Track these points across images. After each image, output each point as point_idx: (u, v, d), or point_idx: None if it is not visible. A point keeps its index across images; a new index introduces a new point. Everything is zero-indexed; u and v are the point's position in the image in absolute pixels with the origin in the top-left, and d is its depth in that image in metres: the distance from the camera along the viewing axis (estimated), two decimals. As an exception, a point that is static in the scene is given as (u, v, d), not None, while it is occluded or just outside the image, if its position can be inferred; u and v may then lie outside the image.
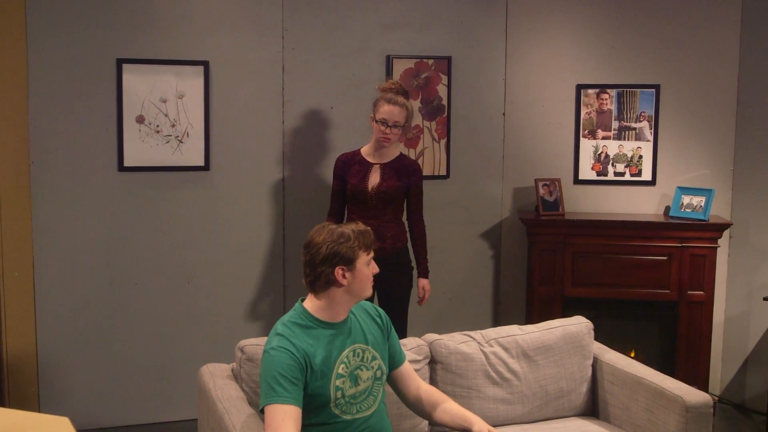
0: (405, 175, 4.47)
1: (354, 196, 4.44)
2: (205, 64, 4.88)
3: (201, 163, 4.93)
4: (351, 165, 4.48)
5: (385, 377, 3.15)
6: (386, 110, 4.35)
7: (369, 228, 3.03)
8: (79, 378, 4.86)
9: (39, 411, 4.74)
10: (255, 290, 5.11)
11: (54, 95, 4.67)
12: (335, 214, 4.55)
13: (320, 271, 2.94)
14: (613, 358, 3.91)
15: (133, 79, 4.76)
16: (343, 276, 2.94)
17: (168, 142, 4.87)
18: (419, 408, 3.26)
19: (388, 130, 4.36)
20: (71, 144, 4.73)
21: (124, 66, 4.74)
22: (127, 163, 4.80)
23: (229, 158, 5.01)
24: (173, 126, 4.87)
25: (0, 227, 4.54)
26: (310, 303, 3.02)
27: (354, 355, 3.03)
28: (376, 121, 4.38)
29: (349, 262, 2.94)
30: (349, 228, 2.98)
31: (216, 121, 4.95)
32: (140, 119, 4.80)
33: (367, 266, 2.99)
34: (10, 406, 4.61)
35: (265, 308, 5.11)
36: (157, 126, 4.84)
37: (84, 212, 4.79)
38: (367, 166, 4.46)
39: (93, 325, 4.85)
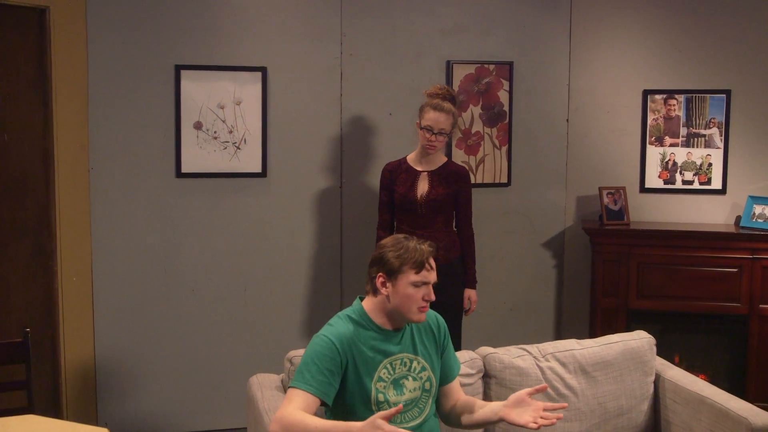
0: (454, 182, 4.36)
1: (403, 205, 4.34)
2: (263, 71, 4.85)
3: (258, 169, 4.91)
4: (398, 174, 4.37)
5: (435, 390, 3.08)
6: (432, 117, 4.23)
7: (431, 249, 2.91)
8: (136, 383, 4.86)
9: (96, 416, 4.78)
10: (312, 299, 5.06)
11: (113, 102, 4.69)
12: (386, 226, 4.44)
13: (368, 272, 2.95)
14: (675, 375, 3.76)
15: (191, 85, 4.76)
16: (383, 285, 2.90)
17: (225, 148, 4.84)
18: (450, 419, 3.18)
19: (433, 138, 4.25)
20: (130, 150, 4.74)
21: (182, 72, 4.74)
22: (184, 170, 4.80)
23: (287, 165, 4.97)
24: (231, 132, 4.84)
25: (59, 233, 4.56)
26: (368, 302, 2.99)
27: (401, 364, 2.98)
28: (422, 128, 4.27)
29: (390, 273, 2.89)
30: (413, 241, 2.90)
31: (273, 127, 4.92)
32: (198, 125, 4.79)
33: (413, 287, 2.87)
34: (67, 411, 4.65)
35: (321, 317, 5.03)
36: (215, 132, 4.82)
37: (142, 218, 4.79)
38: (414, 174, 4.36)
39: (149, 331, 4.86)
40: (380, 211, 4.47)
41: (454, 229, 4.46)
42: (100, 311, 4.77)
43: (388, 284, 2.89)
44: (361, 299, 3.02)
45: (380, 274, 2.90)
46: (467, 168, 4.67)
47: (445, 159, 4.43)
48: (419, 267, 2.86)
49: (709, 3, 5.19)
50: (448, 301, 4.32)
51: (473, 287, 4.47)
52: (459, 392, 3.19)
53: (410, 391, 2.98)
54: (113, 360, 4.81)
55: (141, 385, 4.87)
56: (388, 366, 2.95)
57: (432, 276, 2.91)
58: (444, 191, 4.32)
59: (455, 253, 4.39)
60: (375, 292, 2.95)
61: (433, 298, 2.92)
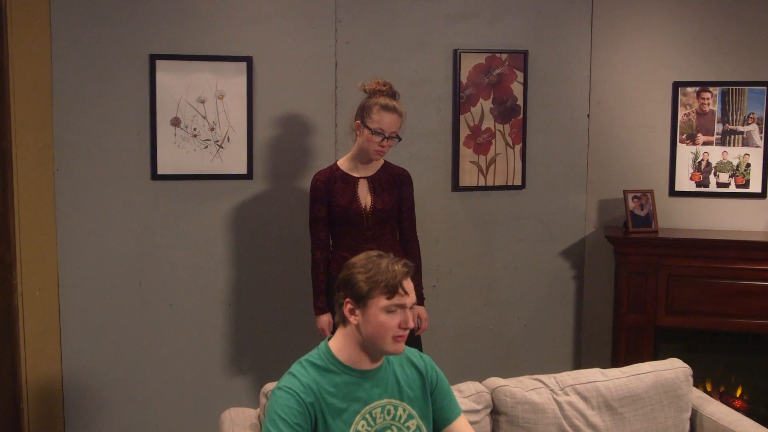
0: (396, 186, 3.93)
1: (346, 219, 3.86)
2: (248, 60, 4.46)
3: (243, 170, 4.52)
4: (333, 183, 3.90)
5: None
6: (383, 119, 3.76)
7: (406, 270, 2.54)
8: (108, 409, 4.47)
9: (63, 444, 4.37)
10: (304, 313, 4.60)
11: (80, 96, 4.30)
12: (324, 246, 3.95)
13: (335, 298, 2.60)
14: (716, 411, 3.32)
15: (168, 77, 4.37)
16: (352, 312, 2.53)
17: (206, 147, 4.46)
18: None
19: (384, 142, 3.80)
20: (99, 150, 4.35)
21: (158, 63, 4.36)
22: (161, 171, 4.42)
23: (275, 165, 4.57)
24: (212, 129, 4.46)
25: (20, 242, 4.17)
26: (335, 342, 2.61)
27: (382, 413, 2.57)
28: (372, 132, 3.79)
29: (359, 299, 2.52)
30: (385, 260, 2.54)
31: (260, 124, 4.52)
32: (176, 122, 4.41)
33: (386, 313, 2.50)
34: (30, 440, 4.24)
35: (314, 336, 4.57)
36: (195, 129, 4.43)
37: (114, 225, 4.41)
38: (352, 183, 3.89)
39: (122, 351, 4.47)
40: (314, 230, 3.94)
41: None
42: (68, 330, 4.37)
43: (357, 311, 2.53)
44: (329, 339, 2.64)
45: (348, 299, 2.54)
46: (408, 171, 4.14)
47: (382, 161, 3.99)
48: (391, 292, 2.50)
49: (747, -14, 4.79)
50: None
51: (422, 304, 4.00)
52: None
53: None
54: (82, 383, 4.41)
55: (112, 411, 4.48)
56: (368, 416, 2.54)
57: (408, 299, 2.54)
58: (389, 198, 3.90)
59: None
60: (344, 321, 2.58)
61: (411, 324, 2.54)
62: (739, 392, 4.67)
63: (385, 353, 2.56)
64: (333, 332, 2.68)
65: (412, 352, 2.75)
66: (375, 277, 2.49)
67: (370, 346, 2.54)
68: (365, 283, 2.50)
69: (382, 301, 2.49)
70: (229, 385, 4.57)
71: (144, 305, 4.46)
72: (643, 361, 3.49)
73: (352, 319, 2.54)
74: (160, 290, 4.48)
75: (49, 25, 4.21)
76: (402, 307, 2.51)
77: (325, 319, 3.95)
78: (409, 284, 2.54)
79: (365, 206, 3.84)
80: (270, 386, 2.99)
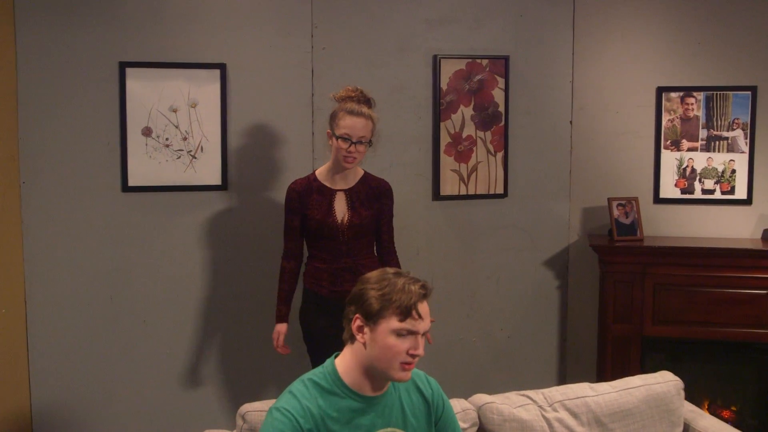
0: (375, 199, 3.81)
1: (320, 232, 3.75)
2: (222, 68, 4.34)
3: (217, 181, 4.40)
4: (309, 195, 3.79)
5: None
6: (349, 123, 3.66)
7: (423, 292, 2.40)
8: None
9: (32, 468, 4.21)
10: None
11: (47, 106, 4.16)
12: (294, 256, 3.86)
13: (345, 312, 2.48)
14: (708, 425, 3.24)
15: (139, 85, 4.24)
16: (360, 330, 2.40)
17: (179, 157, 4.33)
18: None
19: (352, 148, 3.68)
20: (68, 161, 4.22)
21: (128, 70, 4.23)
22: (132, 183, 4.29)
23: (250, 176, 4.45)
24: (185, 139, 4.33)
25: None
26: (342, 361, 2.46)
27: None
28: (337, 138, 3.69)
29: (369, 316, 2.37)
30: (402, 279, 2.39)
31: (235, 133, 4.40)
32: (147, 132, 4.28)
33: (395, 336, 2.36)
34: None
35: (293, 354, 4.45)
36: (167, 139, 4.30)
37: (83, 239, 4.26)
38: (329, 195, 3.78)
39: (94, 370, 4.32)
40: (287, 238, 3.85)
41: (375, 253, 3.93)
42: (36, 349, 4.23)
43: (365, 329, 2.38)
44: (336, 356, 2.50)
45: (358, 315, 2.40)
46: (389, 183, 4.01)
47: (362, 172, 3.88)
48: (404, 314, 2.35)
49: (731, -11, 4.71)
50: None
51: None
52: None
53: None
54: (52, 404, 4.27)
55: (83, 433, 4.34)
56: None
57: (421, 325, 2.39)
58: (367, 212, 3.78)
59: None
60: (352, 338, 2.44)
61: (421, 352, 2.39)
62: (727, 402, 4.60)
63: (390, 380, 2.43)
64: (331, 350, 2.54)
65: (419, 376, 2.62)
66: (389, 295, 2.36)
67: (374, 370, 2.41)
68: (377, 300, 2.37)
69: (394, 323, 2.36)
70: (205, 406, 4.44)
71: (116, 321, 4.32)
72: (629, 372, 3.42)
73: (360, 338, 2.40)
74: (132, 306, 4.34)
75: (13, 32, 4.08)
76: (413, 332, 2.38)
77: (279, 329, 3.86)
78: (424, 308, 2.41)
79: (342, 220, 3.72)
80: (247, 407, 2.88)
